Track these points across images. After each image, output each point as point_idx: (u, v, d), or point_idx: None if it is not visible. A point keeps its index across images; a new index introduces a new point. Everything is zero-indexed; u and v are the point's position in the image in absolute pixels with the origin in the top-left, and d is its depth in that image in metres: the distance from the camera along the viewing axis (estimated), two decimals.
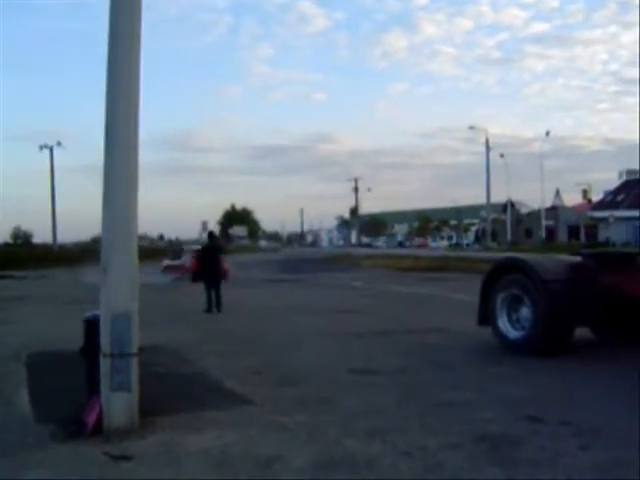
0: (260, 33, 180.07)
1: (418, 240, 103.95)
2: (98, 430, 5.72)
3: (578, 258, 10.19)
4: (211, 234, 17.21)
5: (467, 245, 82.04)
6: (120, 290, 5.82)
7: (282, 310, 16.05)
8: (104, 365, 5.78)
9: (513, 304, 9.76)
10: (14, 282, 31.64)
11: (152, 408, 6.39)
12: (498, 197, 77.62)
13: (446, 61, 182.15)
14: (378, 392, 7.20)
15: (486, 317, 10.13)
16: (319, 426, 5.88)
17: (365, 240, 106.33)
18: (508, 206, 74.39)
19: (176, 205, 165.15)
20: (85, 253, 49.30)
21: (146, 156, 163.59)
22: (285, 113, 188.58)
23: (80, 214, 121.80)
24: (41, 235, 71.84)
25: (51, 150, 61.38)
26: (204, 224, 66.20)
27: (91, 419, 5.79)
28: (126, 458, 5.12)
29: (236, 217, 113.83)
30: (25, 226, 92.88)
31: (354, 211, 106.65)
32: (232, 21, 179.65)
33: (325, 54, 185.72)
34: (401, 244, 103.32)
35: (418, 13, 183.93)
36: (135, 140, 5.98)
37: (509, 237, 69.24)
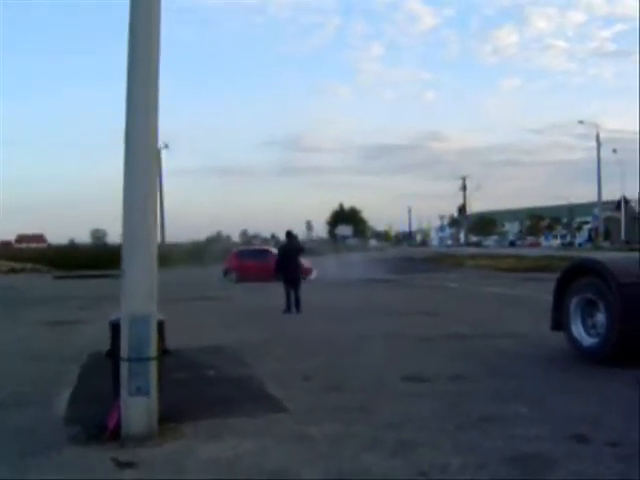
0: (369, 32, 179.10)
1: (530, 239, 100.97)
2: (117, 434, 5.60)
3: None
4: (289, 234, 16.99)
5: (579, 245, 78.87)
6: (138, 293, 5.68)
7: (363, 312, 15.70)
8: (123, 369, 5.65)
9: (588, 309, 9.06)
10: (110, 281, 32.59)
11: (182, 413, 6.30)
12: (614, 195, 74.47)
13: (558, 55, 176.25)
14: (424, 402, 6.78)
15: (560, 322, 9.48)
16: (345, 438, 5.54)
17: (474, 239, 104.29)
18: (622, 204, 71.13)
19: (286, 205, 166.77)
20: (192, 253, 50.37)
21: (257, 157, 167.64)
22: (395, 112, 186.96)
23: (198, 214, 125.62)
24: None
25: (159, 153, 63.25)
26: (308, 224, 66.69)
27: (111, 423, 5.68)
28: (131, 465, 4.96)
29: (344, 217, 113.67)
30: None
31: (462, 210, 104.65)
32: (340, 21, 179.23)
33: (435, 51, 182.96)
34: (512, 243, 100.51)
35: (528, 7, 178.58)
36: (154, 142, 5.86)
37: (622, 236, 66.16)
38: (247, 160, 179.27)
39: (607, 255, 13.22)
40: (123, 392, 5.64)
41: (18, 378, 8.37)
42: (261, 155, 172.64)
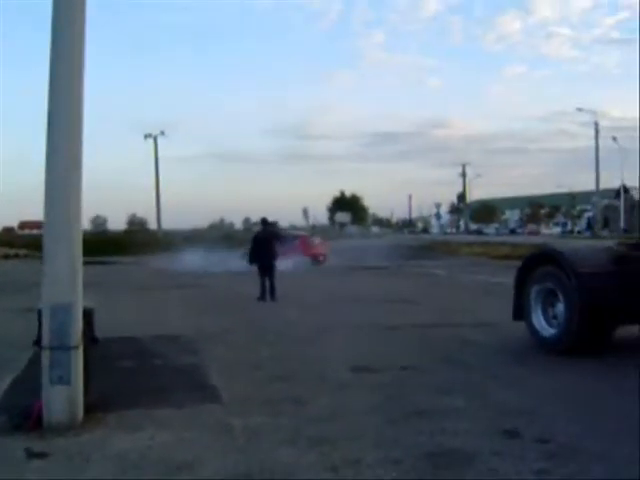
0: (371, 19, 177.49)
1: (530, 227, 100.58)
2: (40, 424, 5.50)
3: (624, 248, 9.16)
4: (264, 221, 16.84)
5: (578, 232, 78.54)
6: (60, 280, 5.56)
7: (338, 300, 15.58)
8: (44, 358, 5.55)
9: (549, 299, 8.92)
10: (102, 268, 32.31)
11: (113, 402, 6.26)
12: (615, 183, 74.14)
13: (563, 43, 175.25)
14: (364, 393, 6.66)
15: (521, 312, 9.34)
16: (267, 431, 5.43)
17: (473, 227, 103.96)
18: (621, 192, 70.63)
19: (289, 192, 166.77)
20: (187, 239, 50.11)
21: (260, 145, 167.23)
22: (398, 99, 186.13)
23: (201, 201, 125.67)
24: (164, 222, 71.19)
25: (155, 139, 63.64)
26: (304, 211, 66.60)
27: (34, 413, 5.58)
28: (42, 456, 4.87)
29: (345, 204, 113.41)
30: (140, 213, 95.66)
31: (461, 197, 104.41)
32: (342, 8, 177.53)
33: (438, 38, 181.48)
34: (513, 231, 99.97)
35: None
36: (79, 121, 5.68)
37: (622, 224, 65.94)
38: (251, 147, 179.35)
39: (572, 244, 13.02)
40: (45, 381, 5.55)
41: None
42: (264, 142, 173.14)
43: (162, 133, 64.55)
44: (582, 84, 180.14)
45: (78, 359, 5.58)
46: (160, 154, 65.43)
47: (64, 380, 5.51)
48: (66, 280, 5.56)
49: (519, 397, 6.48)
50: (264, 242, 16.21)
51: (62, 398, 5.53)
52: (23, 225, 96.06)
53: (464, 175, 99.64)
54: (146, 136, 64.19)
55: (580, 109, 66.32)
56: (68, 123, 5.60)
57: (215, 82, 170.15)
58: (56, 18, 5.57)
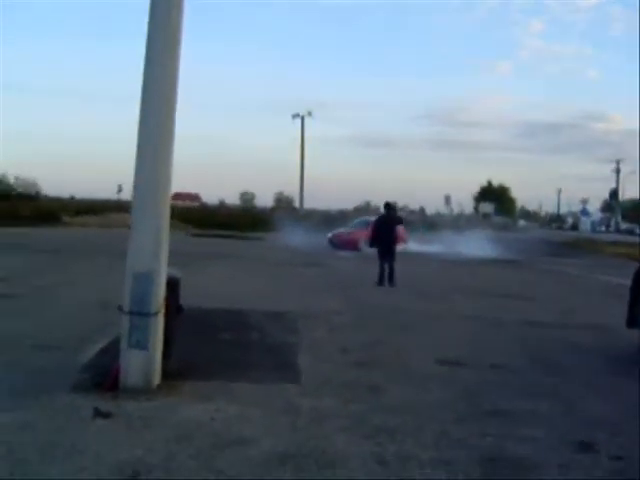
0: (530, 7, 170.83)
1: None
2: (116, 386, 5.71)
3: None
4: (388, 205, 16.71)
5: None
6: (144, 249, 5.72)
7: (455, 291, 15.27)
8: (123, 322, 5.74)
9: None
10: (243, 243, 33.17)
11: (195, 372, 6.40)
12: None
13: None
14: (443, 387, 6.48)
15: (635, 319, 8.80)
16: (331, 416, 5.39)
17: (624, 226, 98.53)
18: None
19: (437, 179, 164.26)
20: (328, 220, 50.54)
21: (411, 130, 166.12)
22: (556, 89, 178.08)
23: (349, 183, 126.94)
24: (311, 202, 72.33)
25: (302, 119, 64.52)
26: (447, 198, 65.58)
27: (112, 374, 5.81)
28: (106, 416, 5.05)
29: (492, 194, 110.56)
30: (287, 192, 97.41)
31: (614, 194, 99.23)
32: None
33: (599, 28, 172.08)
34: None
35: None
36: (172, 104, 5.81)
37: None
38: (399, 132, 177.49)
39: None
40: (123, 344, 5.75)
41: (75, 325, 8.74)
42: (414, 128, 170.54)
43: (309, 114, 65.48)
44: None
45: (157, 326, 5.75)
46: (307, 134, 66.41)
47: (141, 345, 5.70)
48: (150, 250, 5.72)
49: (608, 408, 6.10)
50: (385, 226, 16.11)
51: (138, 362, 5.71)
52: (176, 196, 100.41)
53: (618, 171, 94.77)
54: (294, 116, 65.33)
55: None
56: (161, 96, 5.75)
57: (368, 66, 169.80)
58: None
